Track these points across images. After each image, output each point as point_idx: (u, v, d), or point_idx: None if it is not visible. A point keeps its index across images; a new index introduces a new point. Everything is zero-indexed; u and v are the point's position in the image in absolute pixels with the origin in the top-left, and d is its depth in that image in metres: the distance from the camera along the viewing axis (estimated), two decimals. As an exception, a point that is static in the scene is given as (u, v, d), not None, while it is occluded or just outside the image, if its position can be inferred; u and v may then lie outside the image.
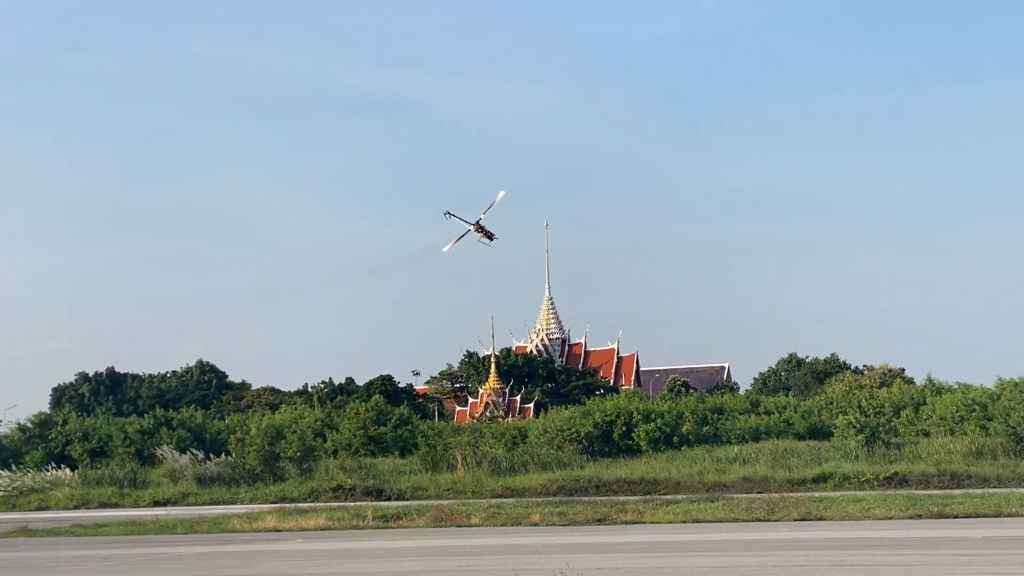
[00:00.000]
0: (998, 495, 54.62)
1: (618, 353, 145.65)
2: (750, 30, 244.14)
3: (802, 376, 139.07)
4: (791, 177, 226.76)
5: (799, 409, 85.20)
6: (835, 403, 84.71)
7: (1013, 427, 69.59)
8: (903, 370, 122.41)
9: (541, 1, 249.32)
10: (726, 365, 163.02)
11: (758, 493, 60.46)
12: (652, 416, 78.23)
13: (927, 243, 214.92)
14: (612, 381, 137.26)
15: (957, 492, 57.39)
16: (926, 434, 75.78)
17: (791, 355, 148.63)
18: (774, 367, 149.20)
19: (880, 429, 72.63)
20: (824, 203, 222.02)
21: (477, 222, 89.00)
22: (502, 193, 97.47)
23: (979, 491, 57.91)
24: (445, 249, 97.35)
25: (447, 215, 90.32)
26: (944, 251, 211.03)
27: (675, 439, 76.54)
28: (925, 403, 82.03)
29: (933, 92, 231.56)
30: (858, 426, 71.90)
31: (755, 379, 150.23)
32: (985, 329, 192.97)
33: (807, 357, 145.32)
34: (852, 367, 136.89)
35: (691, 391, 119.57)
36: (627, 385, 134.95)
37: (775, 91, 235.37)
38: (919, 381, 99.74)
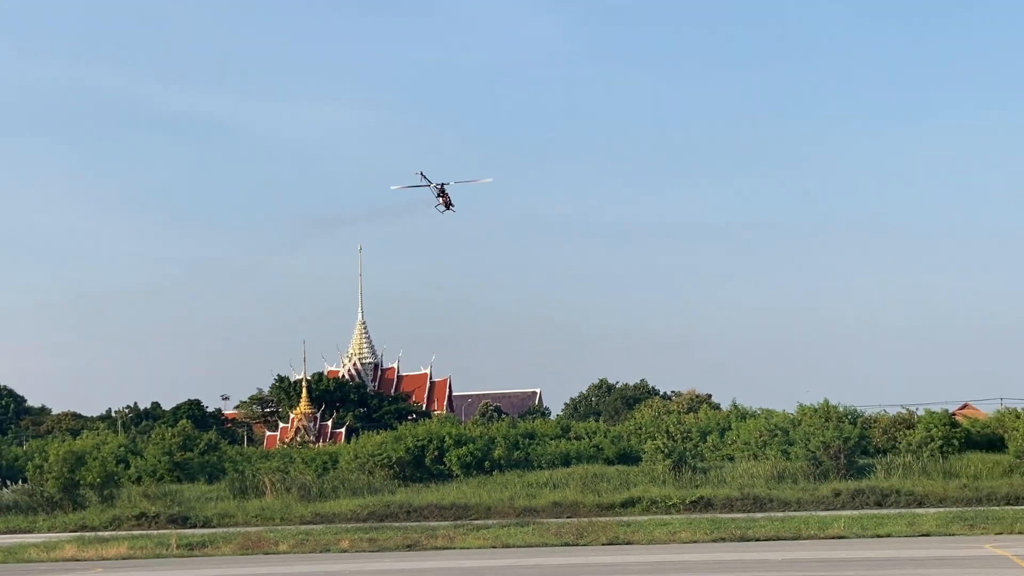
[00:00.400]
0: (798, 518, 56.16)
1: (431, 378, 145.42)
2: (560, 61, 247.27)
3: (612, 401, 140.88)
4: (597, 204, 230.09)
5: (609, 434, 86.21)
6: (644, 428, 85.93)
7: (813, 452, 71.66)
8: (710, 396, 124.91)
9: (355, 25, 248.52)
10: (538, 390, 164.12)
11: (568, 518, 60.96)
12: (464, 441, 78.28)
13: (732, 270, 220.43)
14: (424, 406, 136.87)
15: (759, 515, 58.77)
16: (731, 459, 77.41)
17: (602, 380, 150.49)
18: (585, 392, 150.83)
19: (687, 454, 73.99)
20: (631, 230, 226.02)
21: (442, 185, 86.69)
22: (489, 180, 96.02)
23: (780, 514, 59.43)
24: (394, 188, 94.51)
25: (419, 175, 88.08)
26: (749, 278, 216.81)
27: (486, 464, 76.72)
28: (730, 428, 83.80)
29: (736, 127, 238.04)
30: (666, 451, 73.13)
31: (566, 404, 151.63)
32: (787, 356, 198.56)
33: (617, 383, 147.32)
34: (661, 393, 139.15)
35: (503, 416, 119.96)
36: (439, 410, 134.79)
37: (583, 121, 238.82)
38: (725, 407, 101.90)
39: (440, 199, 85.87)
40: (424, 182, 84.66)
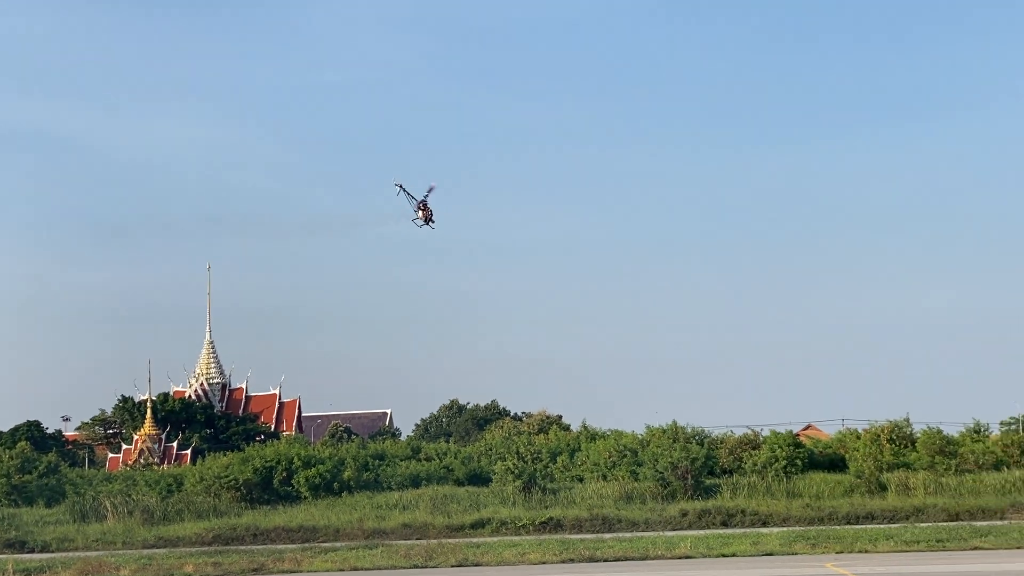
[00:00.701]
0: (646, 538, 56.65)
1: (280, 398, 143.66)
2: (411, 79, 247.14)
3: (463, 422, 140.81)
4: (448, 224, 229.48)
5: (459, 455, 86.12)
6: (494, 449, 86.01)
7: (661, 472, 72.47)
8: (560, 417, 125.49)
9: (205, 42, 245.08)
10: (388, 411, 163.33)
11: (417, 539, 60.64)
12: (313, 462, 77.42)
13: (583, 292, 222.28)
14: (273, 427, 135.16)
15: (608, 536, 59.18)
16: (581, 479, 77.87)
17: (453, 401, 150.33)
18: (436, 413, 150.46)
19: (537, 475, 74.20)
20: (484, 251, 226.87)
21: (424, 201, 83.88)
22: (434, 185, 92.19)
23: (628, 535, 59.93)
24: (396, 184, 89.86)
25: (398, 187, 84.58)
26: (599, 301, 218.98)
27: (336, 485, 75.96)
28: (580, 449, 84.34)
29: (583, 145, 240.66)
30: (516, 472, 73.25)
31: (417, 425, 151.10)
32: (636, 377, 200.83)
33: (468, 403, 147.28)
34: (512, 414, 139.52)
35: (353, 437, 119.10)
36: (289, 431, 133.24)
37: (436, 140, 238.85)
38: (575, 428, 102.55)
39: (422, 211, 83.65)
40: (407, 195, 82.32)
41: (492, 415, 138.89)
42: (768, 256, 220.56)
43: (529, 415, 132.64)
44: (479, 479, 78.91)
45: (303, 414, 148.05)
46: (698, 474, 72.86)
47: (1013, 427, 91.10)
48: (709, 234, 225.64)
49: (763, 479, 73.41)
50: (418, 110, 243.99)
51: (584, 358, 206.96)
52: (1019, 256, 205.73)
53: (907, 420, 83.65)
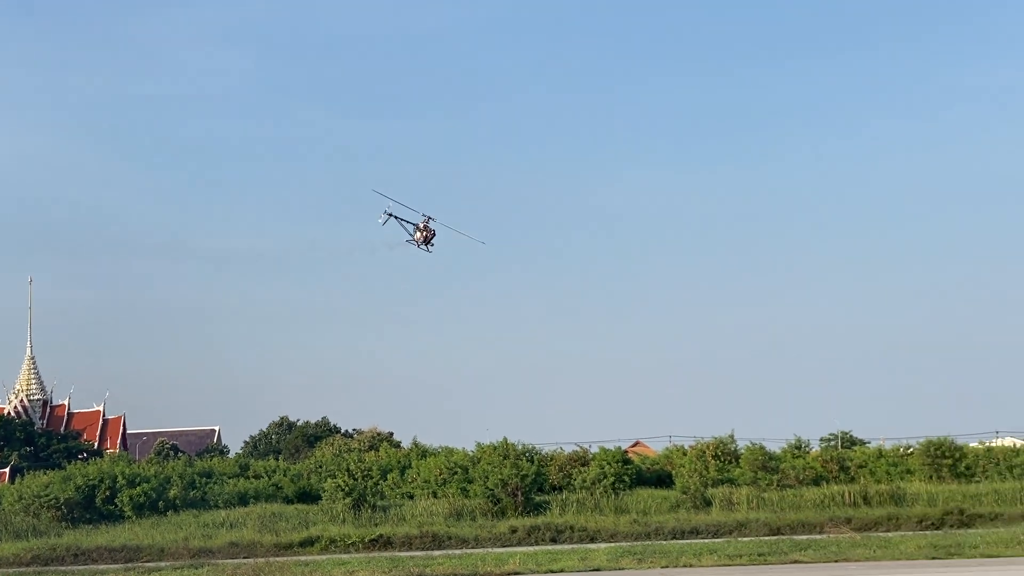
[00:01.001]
0: (475, 555, 56.91)
1: (104, 415, 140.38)
2: (239, 95, 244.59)
3: (293, 439, 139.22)
4: (274, 241, 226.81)
5: (289, 472, 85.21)
6: (324, 466, 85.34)
7: (491, 489, 72.81)
8: (391, 434, 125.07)
9: (26, 52, 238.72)
10: (217, 428, 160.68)
11: (245, 558, 59.89)
12: (138, 480, 75.84)
13: (412, 308, 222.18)
14: (97, 444, 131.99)
15: (438, 553, 59.26)
16: (411, 497, 77.77)
17: (282, 418, 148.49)
18: (265, 430, 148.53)
19: (367, 492, 73.88)
20: (313, 267, 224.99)
21: (425, 224, 75.83)
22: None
23: (458, 551, 60.09)
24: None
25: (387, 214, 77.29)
26: (429, 317, 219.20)
27: (161, 504, 74.50)
28: (411, 466, 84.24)
29: (411, 164, 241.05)
30: (346, 489, 72.84)
31: (246, 442, 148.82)
32: (467, 394, 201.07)
33: (298, 420, 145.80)
34: (342, 431, 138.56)
35: (180, 454, 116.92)
36: (113, 448, 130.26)
37: (264, 155, 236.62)
38: (406, 444, 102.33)
39: (423, 233, 75.14)
40: (402, 218, 75.04)
41: (322, 432, 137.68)
42: (596, 272, 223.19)
43: (360, 432, 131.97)
44: (309, 497, 78.17)
45: (128, 431, 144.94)
46: (528, 491, 73.41)
47: (832, 443, 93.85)
48: (536, 249, 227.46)
49: (592, 495, 74.29)
50: (242, 122, 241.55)
51: (416, 374, 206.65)
52: (834, 275, 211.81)
53: (732, 436, 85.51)
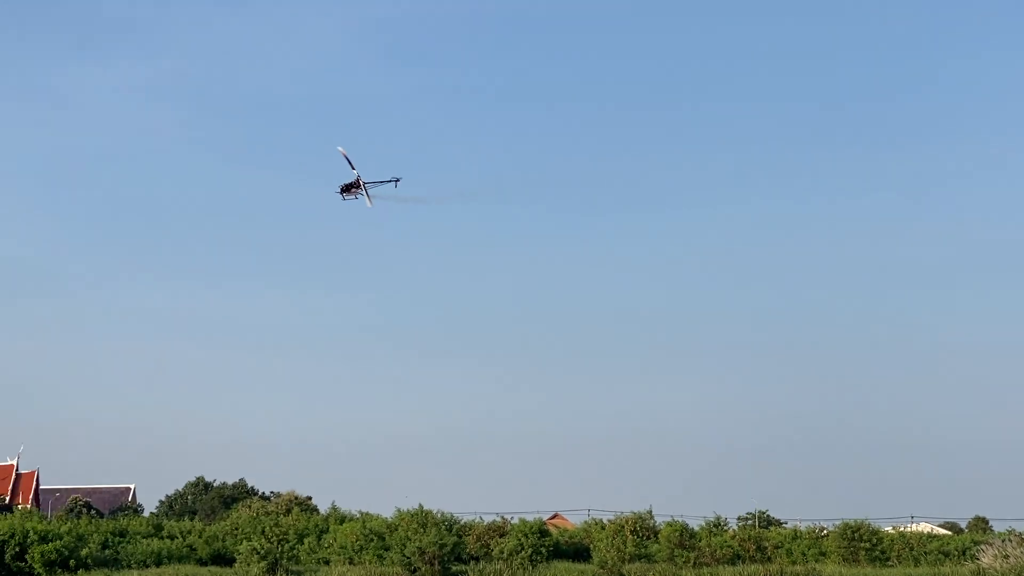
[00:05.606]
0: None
1: (17, 469, 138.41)
2: (164, 149, 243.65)
3: (210, 500, 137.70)
4: (186, 299, 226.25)
5: (204, 534, 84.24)
6: (240, 529, 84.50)
7: (408, 557, 72.42)
8: (310, 498, 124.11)
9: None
10: (132, 486, 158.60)
11: (155, 620, 59.05)
12: (50, 537, 74.63)
13: (333, 375, 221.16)
14: (8, 499, 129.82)
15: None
16: (327, 562, 77.18)
17: (199, 478, 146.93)
18: (182, 490, 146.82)
19: (282, 556, 73.21)
20: (224, 328, 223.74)
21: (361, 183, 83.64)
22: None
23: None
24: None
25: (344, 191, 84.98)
26: (350, 385, 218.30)
27: (72, 563, 73.32)
28: (328, 531, 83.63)
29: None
30: (261, 552, 72.14)
31: (162, 501, 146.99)
32: (388, 460, 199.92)
33: (215, 481, 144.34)
34: (260, 493, 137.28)
35: (94, 512, 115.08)
36: (25, 504, 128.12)
37: (184, 209, 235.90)
38: (325, 509, 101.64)
39: (353, 190, 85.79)
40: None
41: (240, 494, 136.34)
42: (518, 347, 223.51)
43: (278, 495, 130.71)
44: (223, 559, 77.35)
45: (41, 487, 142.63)
46: (446, 560, 73.09)
47: (749, 522, 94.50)
48: (457, 326, 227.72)
49: (509, 566, 74.11)
50: (174, 178, 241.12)
51: (335, 440, 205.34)
52: (754, 357, 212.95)
53: (650, 512, 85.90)
